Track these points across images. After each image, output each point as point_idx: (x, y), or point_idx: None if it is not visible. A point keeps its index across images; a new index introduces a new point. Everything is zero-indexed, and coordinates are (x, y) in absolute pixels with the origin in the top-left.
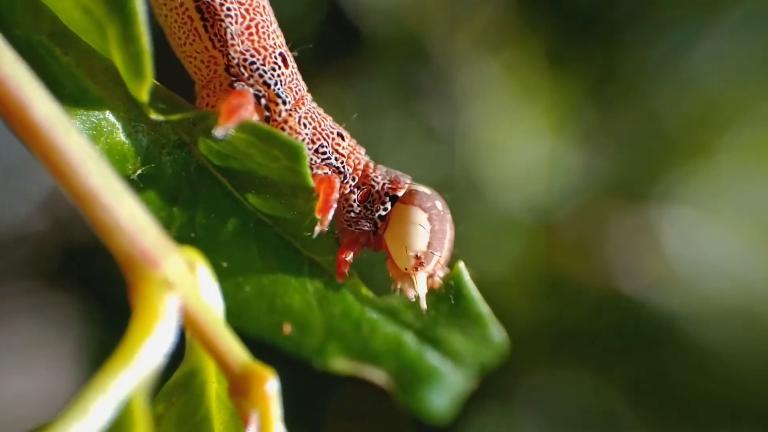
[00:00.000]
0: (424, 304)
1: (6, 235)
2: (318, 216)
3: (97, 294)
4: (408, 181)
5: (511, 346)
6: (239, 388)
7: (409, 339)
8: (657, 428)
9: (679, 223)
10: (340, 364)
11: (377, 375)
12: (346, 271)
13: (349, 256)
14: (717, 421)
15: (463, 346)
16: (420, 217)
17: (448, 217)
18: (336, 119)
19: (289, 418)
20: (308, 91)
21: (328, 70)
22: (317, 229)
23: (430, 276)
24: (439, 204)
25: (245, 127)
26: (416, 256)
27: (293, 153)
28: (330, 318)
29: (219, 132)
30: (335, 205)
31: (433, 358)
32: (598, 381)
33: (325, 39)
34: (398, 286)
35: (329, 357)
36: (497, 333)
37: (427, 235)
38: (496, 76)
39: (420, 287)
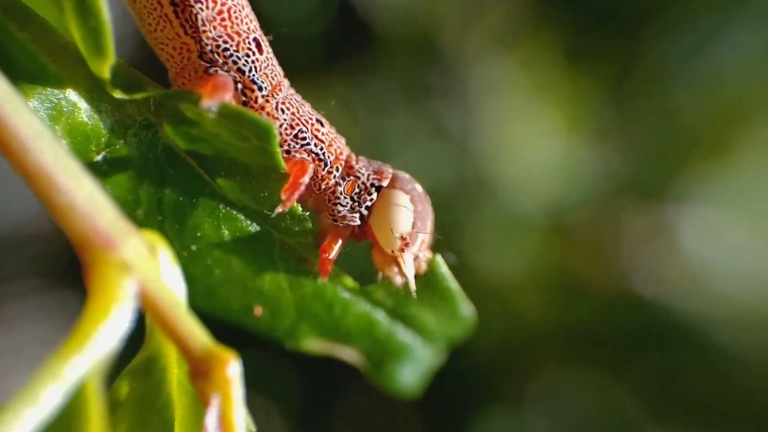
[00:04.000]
0: (413, 285)
1: (13, 235)
2: (283, 196)
3: None
4: (390, 170)
5: (524, 348)
6: (200, 372)
7: (380, 318)
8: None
9: (697, 223)
10: (312, 344)
11: (348, 354)
12: (330, 268)
13: (333, 254)
14: (732, 425)
15: (433, 323)
16: (403, 198)
17: (428, 199)
18: (347, 117)
19: (298, 419)
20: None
21: (340, 67)
22: (278, 209)
23: (415, 258)
24: (419, 187)
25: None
26: (402, 237)
27: (263, 132)
28: (302, 299)
29: (209, 103)
30: (303, 188)
31: (403, 335)
32: (612, 383)
33: (337, 36)
34: (384, 274)
35: (301, 338)
36: (466, 309)
37: (412, 216)
38: (510, 73)
39: (408, 268)
